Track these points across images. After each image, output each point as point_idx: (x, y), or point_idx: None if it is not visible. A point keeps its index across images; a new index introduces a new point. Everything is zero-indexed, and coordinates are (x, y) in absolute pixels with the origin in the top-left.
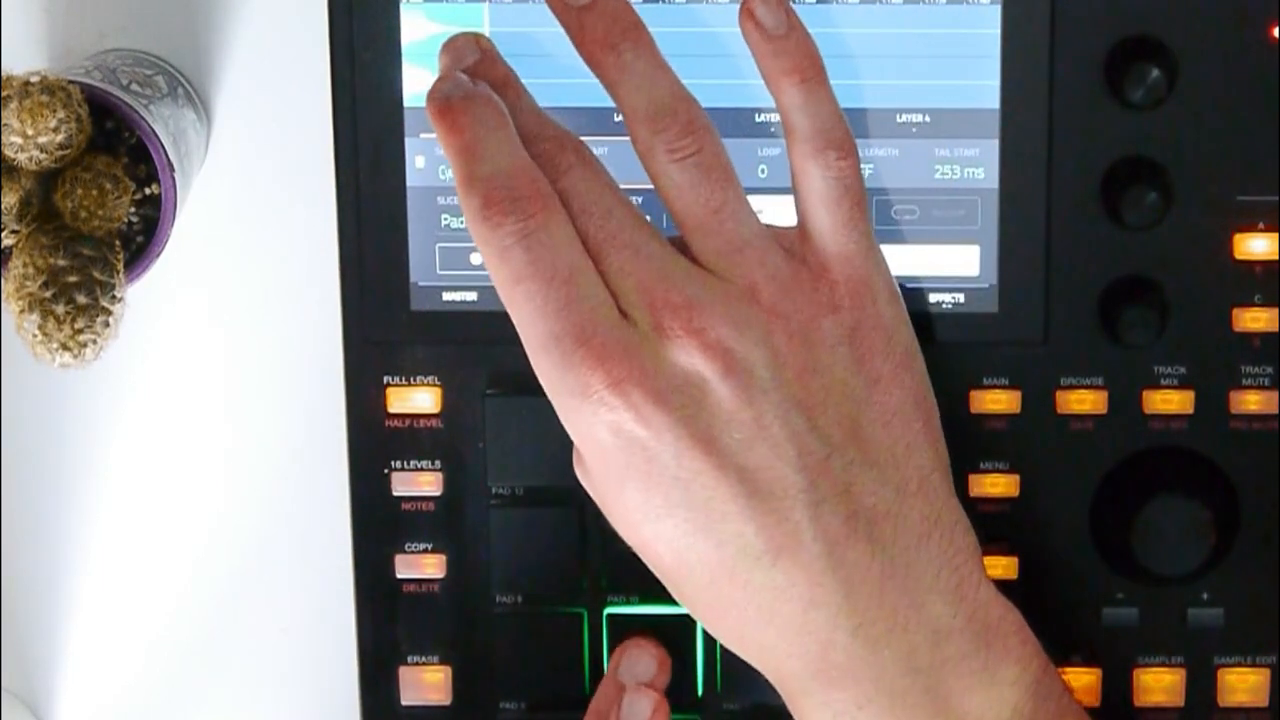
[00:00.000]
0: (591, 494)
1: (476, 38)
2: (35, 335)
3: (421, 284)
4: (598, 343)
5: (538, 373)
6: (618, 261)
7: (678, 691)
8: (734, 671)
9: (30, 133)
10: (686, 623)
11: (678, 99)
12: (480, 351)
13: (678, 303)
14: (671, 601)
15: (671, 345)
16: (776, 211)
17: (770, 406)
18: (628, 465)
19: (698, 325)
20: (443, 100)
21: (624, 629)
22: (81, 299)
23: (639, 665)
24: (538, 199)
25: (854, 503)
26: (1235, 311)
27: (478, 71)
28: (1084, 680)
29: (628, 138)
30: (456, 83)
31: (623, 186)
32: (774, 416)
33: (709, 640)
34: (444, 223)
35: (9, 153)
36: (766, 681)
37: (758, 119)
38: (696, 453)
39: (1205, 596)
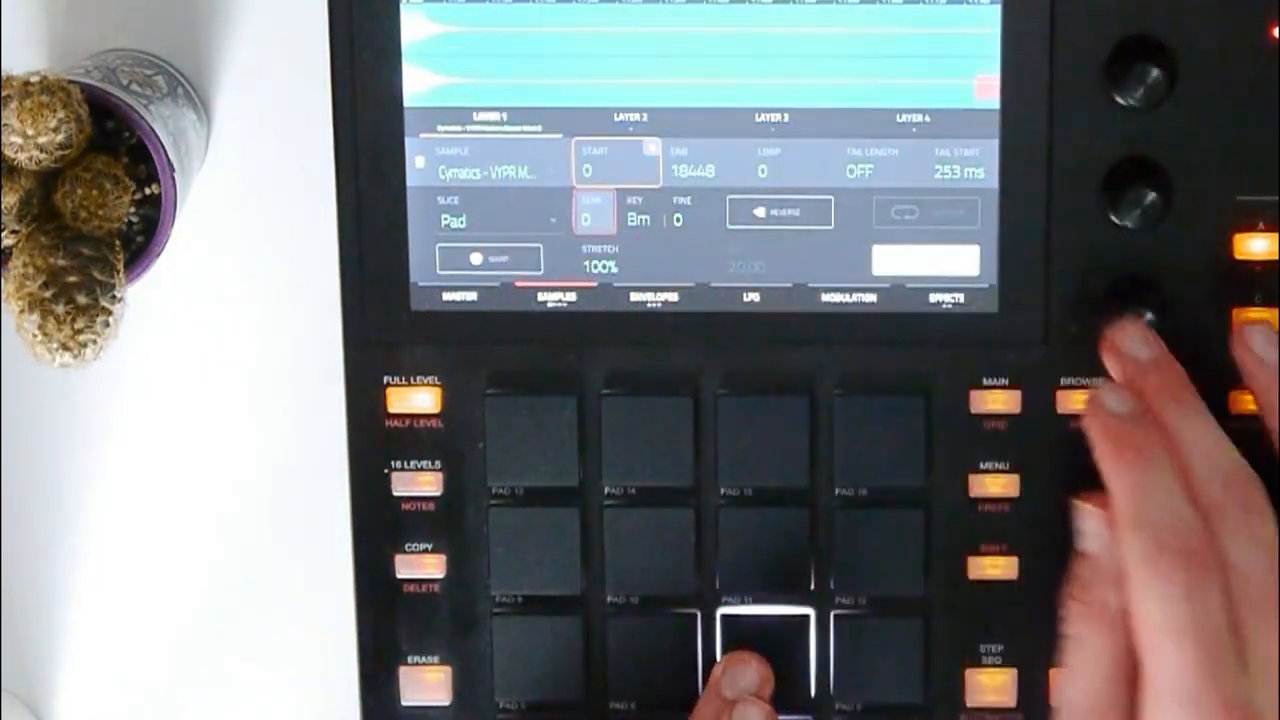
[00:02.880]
0: None
1: (1145, 331)
2: (35, 335)
3: (421, 284)
4: (1236, 711)
5: (1159, 713)
6: (1262, 626)
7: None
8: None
9: (30, 133)
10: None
11: (1243, 470)
12: (480, 351)
13: None
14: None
15: None
16: (776, 211)
17: None
18: None
19: None
20: (1110, 421)
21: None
22: (81, 299)
23: (744, 678)
24: (1207, 557)
25: None
26: (1235, 311)
27: (1149, 376)
28: None
29: (628, 138)
30: (1122, 400)
31: (624, 186)
32: None
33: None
34: (444, 223)
35: (9, 153)
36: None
37: (758, 119)
38: None
39: None
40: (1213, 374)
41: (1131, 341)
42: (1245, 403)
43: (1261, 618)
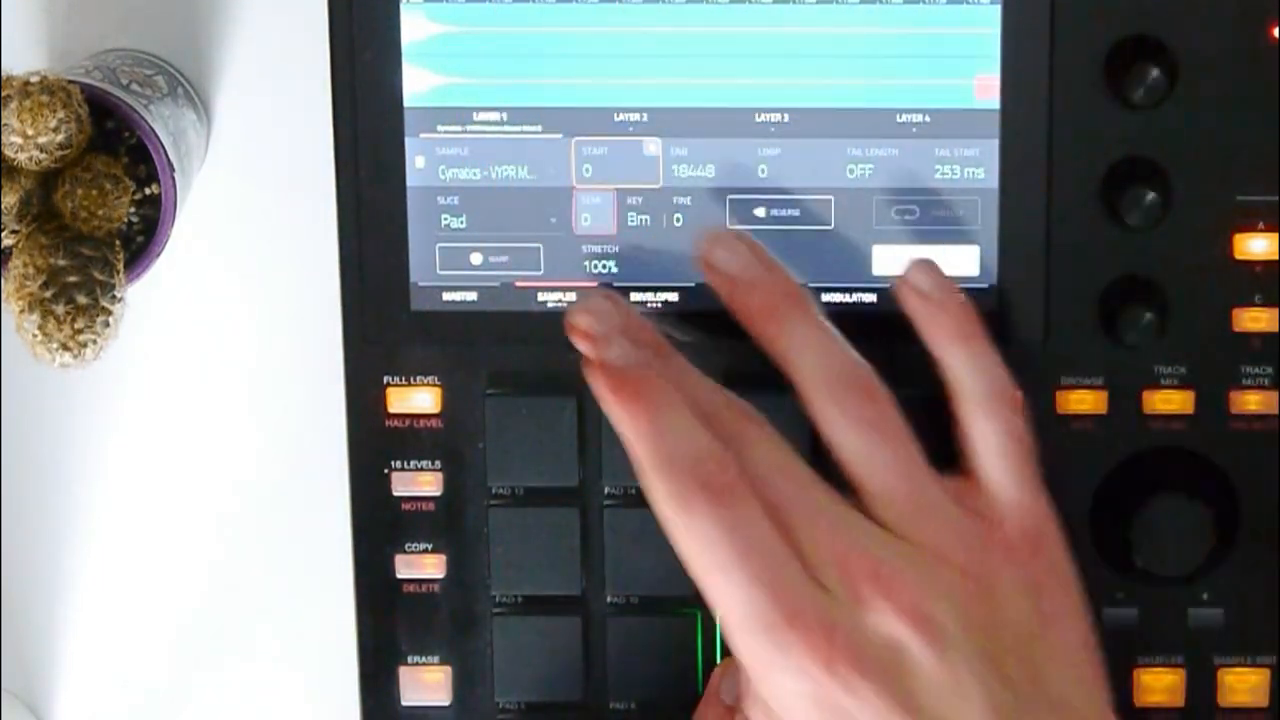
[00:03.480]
0: None
1: (611, 296)
2: (35, 335)
3: (421, 284)
4: (805, 621)
5: (739, 649)
6: (809, 532)
7: None
8: None
9: (30, 133)
10: None
11: (853, 365)
12: (480, 351)
13: (872, 570)
14: None
15: (870, 614)
16: (776, 211)
17: (963, 663)
18: None
19: (894, 592)
20: (612, 372)
21: None
22: (81, 299)
23: (741, 682)
24: (730, 481)
25: None
26: (1235, 311)
27: (626, 334)
28: None
29: (627, 138)
30: (620, 350)
31: (625, 186)
32: (967, 672)
33: None
34: (444, 223)
35: (9, 153)
36: None
37: (758, 119)
38: (898, 716)
39: (1205, 596)
40: (1214, 373)
41: (725, 256)
42: (1246, 402)
43: (801, 518)
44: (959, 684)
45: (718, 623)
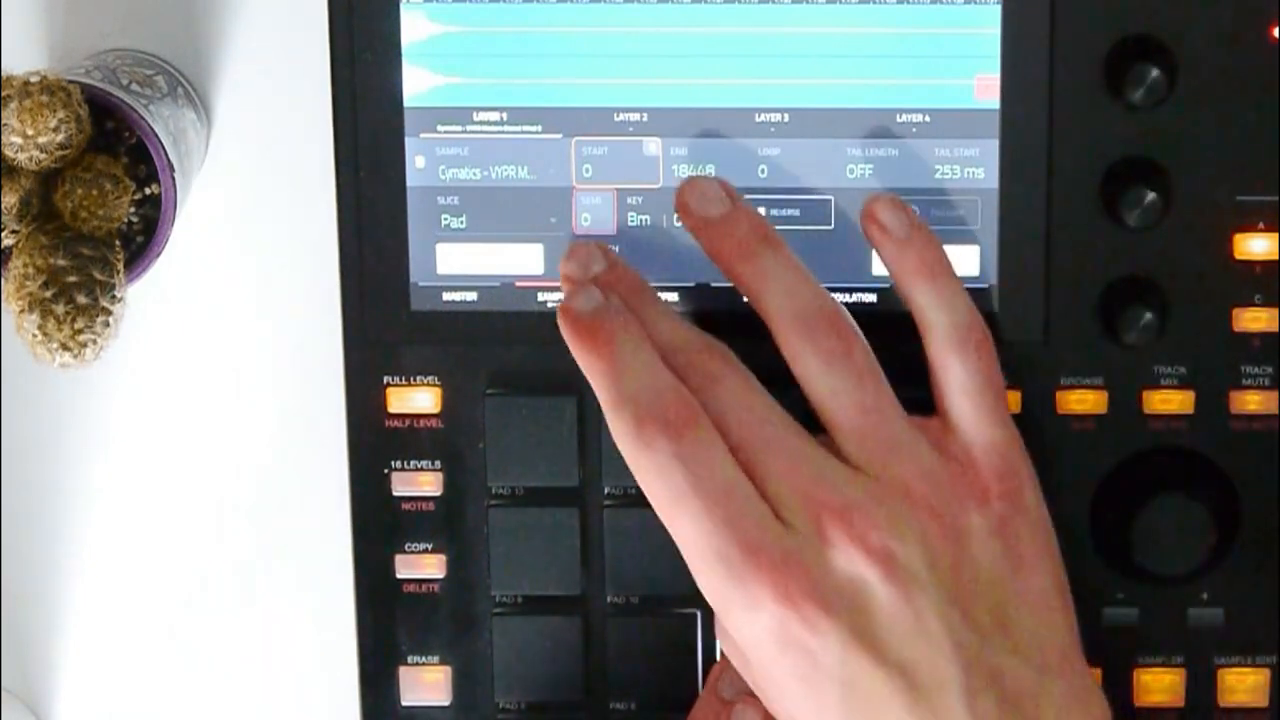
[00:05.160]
0: (750, 683)
1: (601, 247)
2: (35, 335)
3: (421, 284)
4: (764, 557)
5: (702, 585)
6: (774, 468)
7: None
8: None
9: (30, 133)
10: None
11: (822, 302)
12: (480, 351)
13: (837, 507)
14: None
15: (833, 550)
16: (776, 211)
17: (927, 602)
18: (793, 667)
19: (858, 530)
20: (578, 317)
21: None
22: (81, 299)
23: (738, 679)
24: (689, 416)
25: (1004, 687)
26: (1235, 311)
27: (607, 282)
28: None
29: (627, 138)
30: (589, 296)
31: (625, 186)
32: (931, 612)
33: None
34: (444, 223)
35: (9, 153)
36: None
37: (758, 119)
38: (860, 654)
39: (1205, 596)
40: (1214, 373)
41: (701, 201)
42: (1246, 402)
43: (766, 454)
44: (923, 623)
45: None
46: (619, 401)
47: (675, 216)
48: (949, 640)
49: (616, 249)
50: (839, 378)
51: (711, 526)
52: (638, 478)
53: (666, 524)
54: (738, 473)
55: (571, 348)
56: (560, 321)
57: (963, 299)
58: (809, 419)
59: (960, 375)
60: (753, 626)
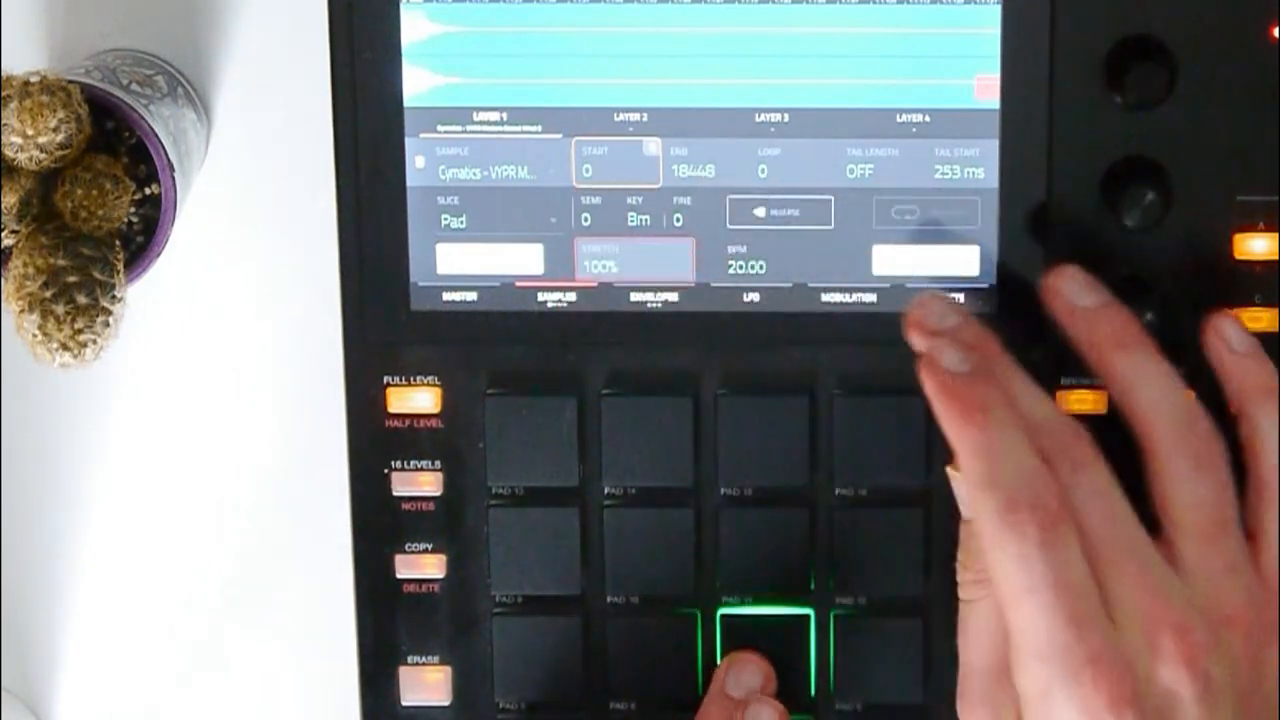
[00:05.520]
0: None
1: (951, 301)
2: (35, 335)
3: (421, 284)
4: (1105, 663)
5: (1028, 674)
6: (1121, 574)
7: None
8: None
9: (30, 133)
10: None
11: (1195, 410)
12: (480, 351)
13: (1174, 624)
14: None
15: (1161, 664)
16: (776, 211)
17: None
18: None
19: (1188, 648)
20: (950, 379)
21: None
22: (81, 299)
23: (747, 676)
24: (1058, 509)
25: None
26: (1235, 311)
27: (967, 342)
28: None
29: (627, 138)
30: (961, 357)
31: (625, 186)
32: None
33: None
34: (444, 223)
35: (9, 153)
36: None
37: (758, 119)
38: None
39: None
40: (1213, 373)
41: (1073, 288)
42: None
43: (1115, 556)
44: None
45: (1017, 650)
46: (990, 482)
47: (676, 217)
48: None
49: (616, 249)
50: (1206, 487)
51: (1061, 623)
52: (993, 558)
53: (1009, 609)
54: (1088, 573)
55: (939, 412)
56: (926, 377)
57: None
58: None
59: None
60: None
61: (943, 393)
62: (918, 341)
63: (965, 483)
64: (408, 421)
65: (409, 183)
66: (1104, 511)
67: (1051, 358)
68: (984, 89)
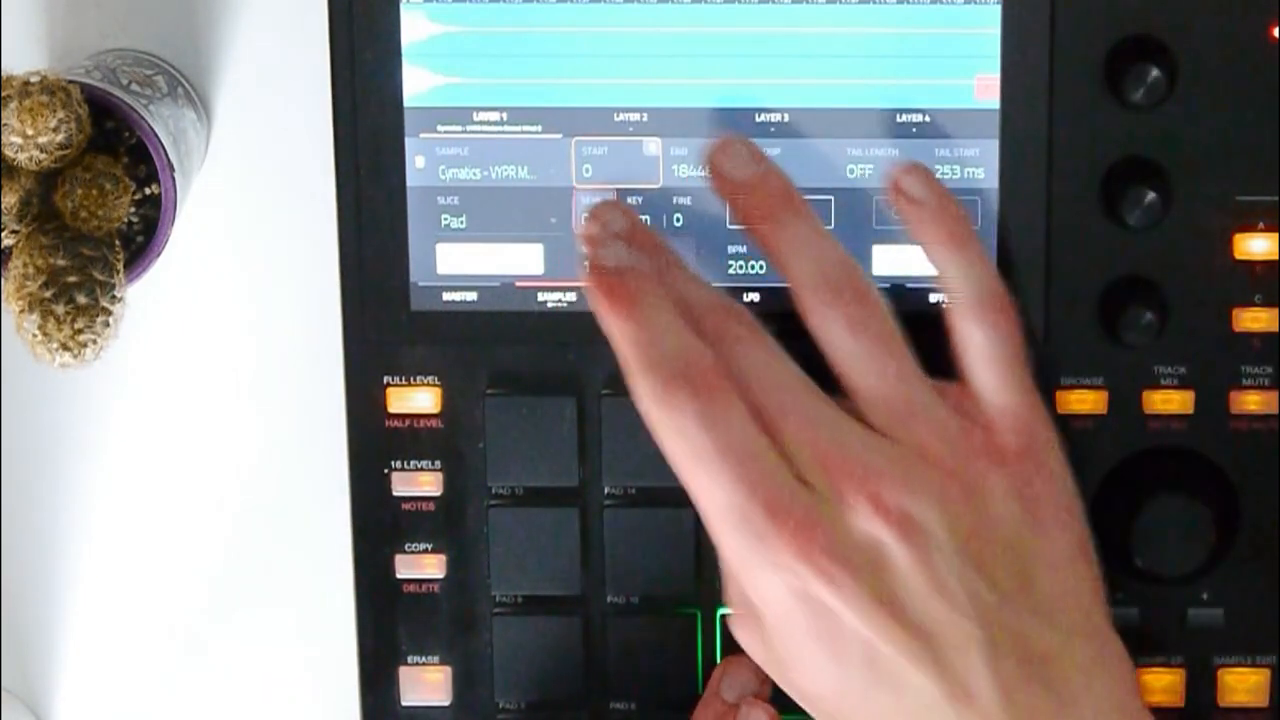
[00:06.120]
0: (757, 651)
1: (621, 205)
2: (35, 335)
3: (421, 284)
4: (785, 516)
5: (721, 544)
6: (794, 431)
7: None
8: None
9: (30, 133)
10: None
11: (847, 268)
12: (480, 351)
13: (855, 471)
14: None
15: (852, 512)
16: None
17: (946, 564)
18: (812, 626)
19: (876, 492)
20: (604, 272)
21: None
22: (81, 299)
23: (741, 680)
24: (713, 378)
25: (1026, 649)
26: (1235, 311)
27: (628, 240)
28: None
29: (627, 138)
30: (615, 252)
31: (626, 186)
32: (949, 573)
33: None
34: (444, 223)
35: (9, 153)
36: None
37: (758, 119)
38: (880, 613)
39: (1205, 596)
40: (1214, 373)
41: (730, 161)
42: (1246, 402)
43: (786, 417)
44: (941, 585)
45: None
46: (644, 363)
47: (676, 217)
48: (969, 601)
49: None
50: (862, 343)
51: (733, 486)
52: (659, 437)
53: (686, 484)
54: (757, 433)
55: (595, 305)
56: (586, 279)
57: (985, 267)
58: (827, 383)
59: (981, 341)
60: (773, 586)
61: (597, 289)
62: (585, 249)
63: (625, 373)
64: (408, 421)
65: (409, 183)
66: (768, 376)
67: (1052, 358)
68: (984, 89)
